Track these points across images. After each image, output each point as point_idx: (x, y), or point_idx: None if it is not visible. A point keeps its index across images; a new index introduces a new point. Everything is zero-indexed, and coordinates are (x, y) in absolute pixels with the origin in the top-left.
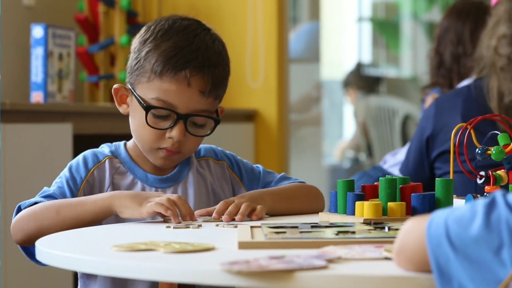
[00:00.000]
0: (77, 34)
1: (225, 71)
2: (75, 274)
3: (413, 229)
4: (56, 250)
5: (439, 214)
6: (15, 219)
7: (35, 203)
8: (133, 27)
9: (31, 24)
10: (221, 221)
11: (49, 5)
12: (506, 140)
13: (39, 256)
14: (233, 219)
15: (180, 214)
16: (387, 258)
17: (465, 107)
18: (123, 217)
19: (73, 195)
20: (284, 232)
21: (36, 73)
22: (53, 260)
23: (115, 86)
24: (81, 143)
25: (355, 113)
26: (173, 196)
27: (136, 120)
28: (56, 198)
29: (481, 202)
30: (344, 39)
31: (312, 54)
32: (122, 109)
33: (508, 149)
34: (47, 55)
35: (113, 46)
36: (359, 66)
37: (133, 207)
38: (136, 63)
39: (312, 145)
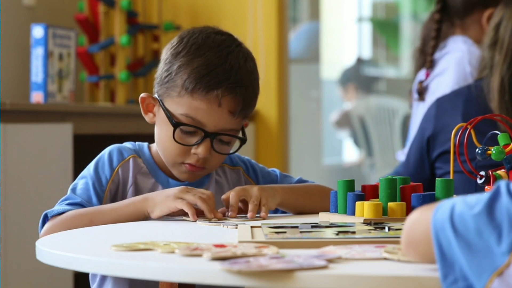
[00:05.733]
0: (77, 34)
1: (255, 91)
2: (75, 274)
3: (420, 219)
4: (56, 250)
5: (447, 202)
6: (45, 229)
7: (63, 212)
8: (133, 27)
9: (31, 24)
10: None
11: (49, 5)
12: (506, 140)
13: (39, 255)
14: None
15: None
16: (386, 259)
17: (465, 107)
18: (153, 217)
19: (99, 198)
20: (284, 232)
21: (36, 73)
22: (53, 260)
23: (142, 95)
24: (81, 143)
25: (355, 113)
26: (206, 194)
27: (163, 132)
28: (83, 205)
29: (487, 192)
30: (344, 39)
31: (312, 54)
32: (148, 117)
33: (508, 149)
34: (47, 55)
35: (113, 46)
36: (359, 62)
37: (161, 201)
38: (167, 76)
39: (312, 145)
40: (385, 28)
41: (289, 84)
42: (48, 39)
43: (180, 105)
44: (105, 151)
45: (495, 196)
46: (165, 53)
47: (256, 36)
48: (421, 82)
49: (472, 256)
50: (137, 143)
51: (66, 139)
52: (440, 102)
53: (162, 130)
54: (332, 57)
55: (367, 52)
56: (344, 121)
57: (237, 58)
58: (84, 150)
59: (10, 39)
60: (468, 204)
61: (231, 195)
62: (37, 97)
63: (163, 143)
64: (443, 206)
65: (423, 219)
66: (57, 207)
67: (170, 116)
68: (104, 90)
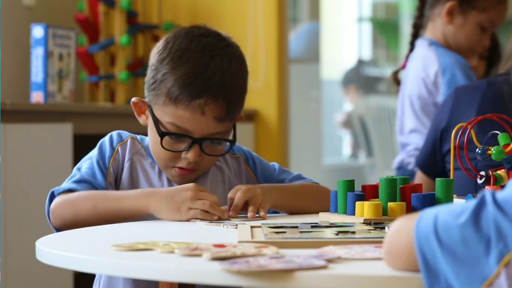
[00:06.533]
0: (77, 34)
1: (241, 94)
2: (75, 274)
3: (402, 228)
4: (56, 250)
5: (429, 211)
6: (53, 205)
7: (69, 189)
8: (133, 27)
9: (31, 24)
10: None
11: (49, 5)
12: (506, 140)
13: (39, 255)
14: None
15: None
16: None
17: (482, 102)
18: (160, 218)
19: (104, 174)
20: (284, 232)
21: (36, 73)
22: (53, 260)
23: (133, 99)
24: (81, 143)
25: (355, 113)
26: (213, 198)
27: (153, 137)
28: (89, 182)
29: (472, 201)
30: (344, 39)
31: (312, 54)
32: (141, 119)
33: (508, 149)
34: (47, 55)
35: (113, 46)
36: (360, 63)
37: (169, 212)
38: (153, 83)
39: (312, 145)
40: (385, 28)
41: (289, 84)
42: (48, 39)
43: (166, 114)
44: (106, 136)
45: (480, 206)
46: (152, 58)
47: (256, 36)
48: (396, 72)
49: (459, 267)
50: (139, 135)
51: (66, 139)
52: (457, 95)
53: (152, 135)
54: (332, 57)
55: (367, 52)
56: (349, 122)
57: (220, 62)
58: (84, 150)
59: (10, 39)
60: (452, 213)
61: (237, 196)
62: (37, 97)
63: (154, 147)
64: (426, 215)
65: (405, 229)
66: (64, 185)
67: (157, 124)
68: (104, 90)
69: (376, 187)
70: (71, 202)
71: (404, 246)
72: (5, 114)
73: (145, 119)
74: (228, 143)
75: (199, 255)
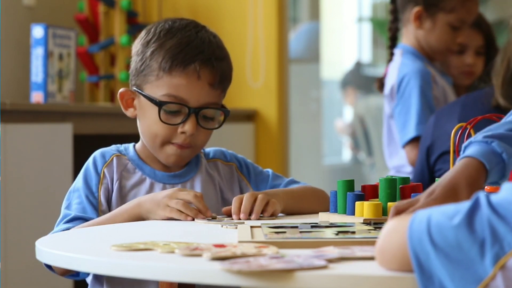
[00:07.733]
0: (77, 34)
1: (229, 65)
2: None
3: (395, 229)
4: (56, 250)
5: (423, 212)
6: None
7: (63, 230)
8: (133, 27)
9: (31, 24)
10: (240, 219)
11: (49, 5)
12: None
13: (39, 255)
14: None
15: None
16: None
17: (462, 111)
18: (149, 218)
19: (94, 206)
20: (284, 232)
21: (36, 73)
22: (53, 260)
23: (121, 90)
24: (81, 143)
25: (355, 114)
26: (189, 196)
27: (147, 119)
28: (81, 218)
29: (466, 203)
30: (344, 39)
31: (312, 54)
32: (129, 112)
33: None
34: (47, 55)
35: (113, 46)
36: (358, 66)
37: (153, 210)
38: (142, 64)
39: (312, 145)
40: (385, 28)
41: (289, 84)
42: (48, 39)
43: (160, 87)
44: (90, 159)
45: (474, 208)
46: (135, 47)
47: (256, 36)
48: (380, 79)
49: (454, 268)
50: (123, 144)
51: (66, 139)
52: (438, 112)
53: (146, 118)
54: (332, 57)
55: (367, 52)
56: (352, 132)
57: (206, 35)
58: (84, 150)
59: (10, 39)
60: (446, 215)
61: (259, 200)
62: (37, 97)
63: (149, 129)
64: (419, 217)
65: (398, 230)
66: (56, 228)
67: (152, 98)
68: (104, 90)
69: (376, 187)
70: None
71: (397, 246)
72: (5, 114)
73: (133, 112)
74: (220, 121)
75: (199, 255)
